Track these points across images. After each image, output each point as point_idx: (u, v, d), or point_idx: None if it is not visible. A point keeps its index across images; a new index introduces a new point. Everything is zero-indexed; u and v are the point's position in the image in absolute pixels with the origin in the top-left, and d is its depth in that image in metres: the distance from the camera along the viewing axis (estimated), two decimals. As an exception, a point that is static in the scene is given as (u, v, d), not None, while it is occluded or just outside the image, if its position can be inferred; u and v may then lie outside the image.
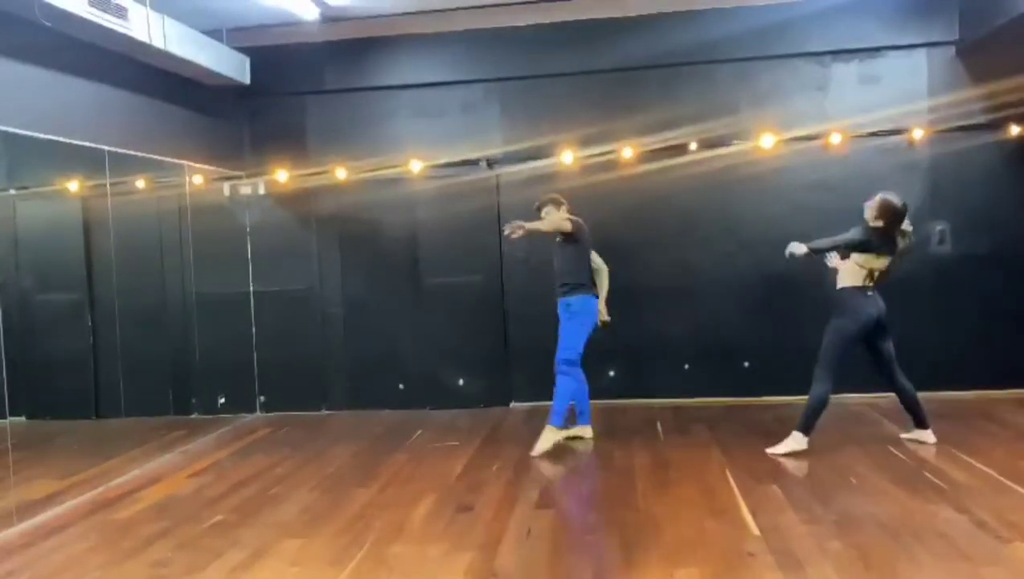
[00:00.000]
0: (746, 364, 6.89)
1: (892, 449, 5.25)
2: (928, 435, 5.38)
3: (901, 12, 6.66)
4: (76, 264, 7.47)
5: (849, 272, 5.29)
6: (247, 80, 6.82)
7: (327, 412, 7.32)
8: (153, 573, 3.81)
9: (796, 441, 5.25)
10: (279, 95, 7.25)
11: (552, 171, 7.02)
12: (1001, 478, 4.57)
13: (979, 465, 4.82)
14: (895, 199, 5.16)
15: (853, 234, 5.21)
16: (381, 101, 7.24)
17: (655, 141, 6.86)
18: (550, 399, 5.89)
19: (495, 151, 7.08)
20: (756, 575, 3.47)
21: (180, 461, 5.92)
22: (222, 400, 7.42)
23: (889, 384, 5.37)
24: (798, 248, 5.22)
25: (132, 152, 5.95)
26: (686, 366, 6.97)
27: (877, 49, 6.74)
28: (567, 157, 6.96)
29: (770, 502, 4.37)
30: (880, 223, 5.17)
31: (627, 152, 6.90)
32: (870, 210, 5.21)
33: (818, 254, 5.34)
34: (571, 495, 4.66)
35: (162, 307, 7.53)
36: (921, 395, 5.72)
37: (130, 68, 5.77)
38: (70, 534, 4.42)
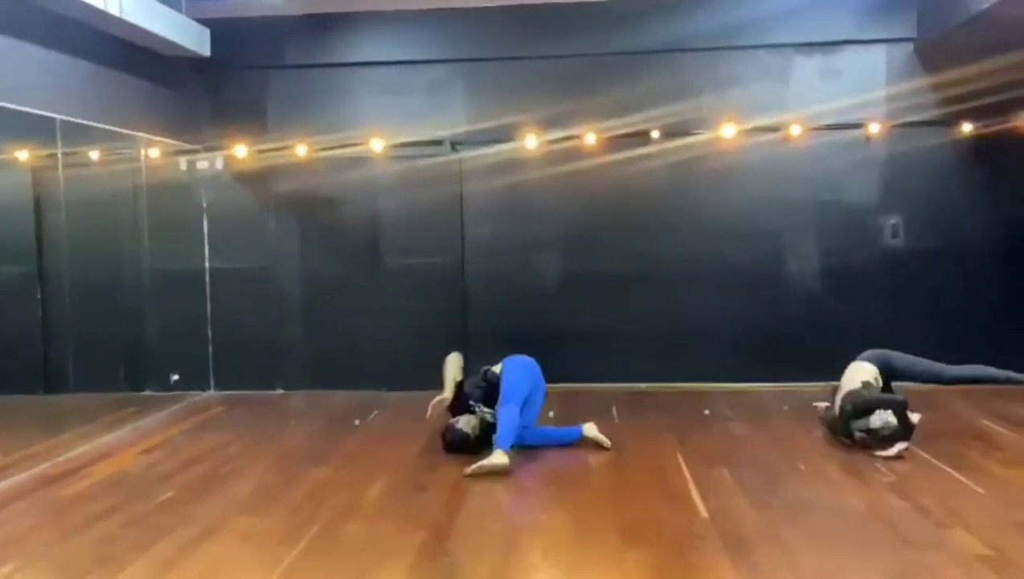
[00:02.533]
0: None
1: (841, 437, 5.35)
2: None
3: (862, 7, 6.74)
4: (26, 236, 7.28)
5: None
6: (207, 52, 6.68)
7: (282, 392, 7.25)
8: (100, 550, 3.75)
9: None
10: (240, 69, 7.12)
11: (515, 156, 7.01)
12: (944, 466, 4.69)
13: (923, 453, 4.93)
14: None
15: None
16: (344, 78, 7.16)
17: (618, 127, 6.87)
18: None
19: (459, 130, 7.04)
20: (704, 557, 3.53)
21: (130, 438, 5.83)
22: (175, 377, 7.32)
23: None
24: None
25: (85, 122, 5.80)
26: (621, 360, 7.01)
27: (838, 43, 6.83)
28: (530, 142, 6.95)
29: (720, 486, 4.44)
30: None
31: (590, 138, 6.92)
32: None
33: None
34: (525, 476, 4.68)
35: (115, 281, 7.38)
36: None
37: (85, 36, 5.62)
38: (15, 510, 4.34)
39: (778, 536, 3.73)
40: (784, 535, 3.74)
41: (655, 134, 6.87)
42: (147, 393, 7.26)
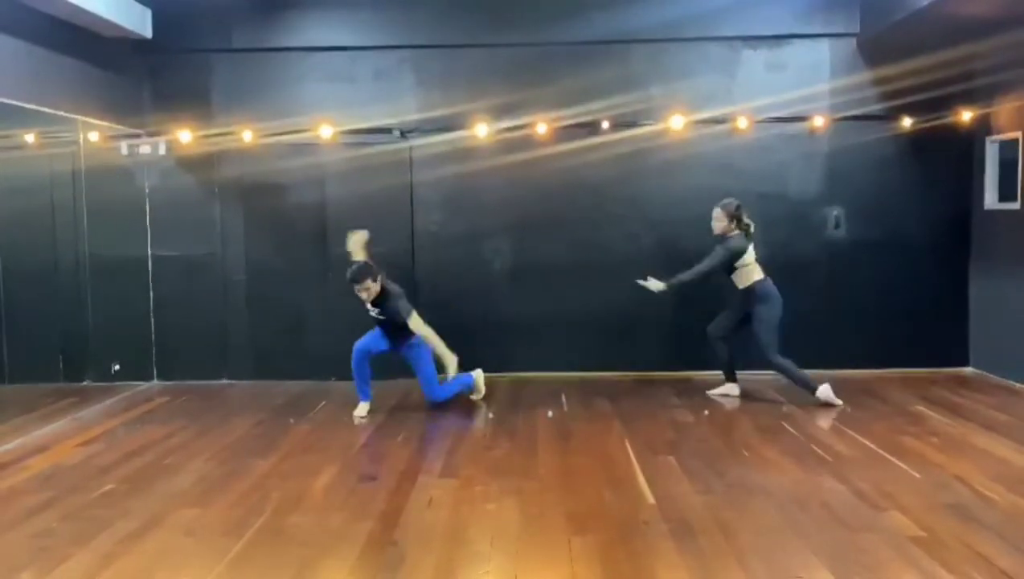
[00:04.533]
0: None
1: (783, 423, 5.47)
2: (734, 388, 6.29)
3: (807, 2, 6.85)
4: (-44, 221, 7.04)
5: (745, 272, 5.94)
6: (148, 33, 6.53)
7: (228, 382, 7.14)
8: (36, 544, 3.66)
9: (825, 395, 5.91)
10: (183, 51, 6.96)
11: (465, 145, 6.98)
12: (880, 451, 4.83)
13: (861, 439, 5.08)
14: (731, 201, 5.97)
15: (718, 255, 5.88)
16: (292, 63, 7.04)
17: (568, 117, 6.90)
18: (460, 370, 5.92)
19: (408, 118, 6.99)
20: (650, 543, 3.58)
21: (69, 430, 5.68)
22: (116, 367, 7.15)
23: (722, 339, 6.24)
24: (655, 285, 5.97)
25: (19, 103, 5.60)
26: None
27: (783, 37, 6.93)
28: (481, 130, 6.93)
29: (666, 473, 4.50)
30: (733, 226, 5.95)
31: (540, 128, 6.92)
32: (718, 222, 5.98)
33: (681, 286, 5.97)
34: (474, 465, 4.69)
35: (53, 269, 7.17)
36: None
37: (21, 14, 5.43)
38: (-54, 504, 4.20)
39: (722, 521, 3.80)
40: (728, 520, 3.81)
41: (604, 125, 6.91)
42: (87, 384, 7.09)
